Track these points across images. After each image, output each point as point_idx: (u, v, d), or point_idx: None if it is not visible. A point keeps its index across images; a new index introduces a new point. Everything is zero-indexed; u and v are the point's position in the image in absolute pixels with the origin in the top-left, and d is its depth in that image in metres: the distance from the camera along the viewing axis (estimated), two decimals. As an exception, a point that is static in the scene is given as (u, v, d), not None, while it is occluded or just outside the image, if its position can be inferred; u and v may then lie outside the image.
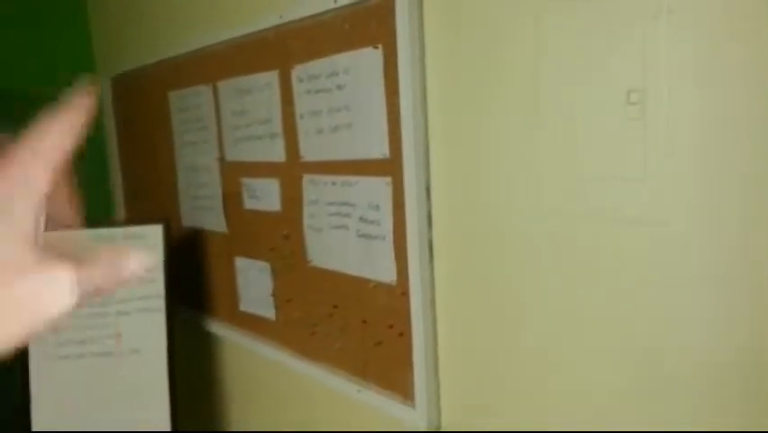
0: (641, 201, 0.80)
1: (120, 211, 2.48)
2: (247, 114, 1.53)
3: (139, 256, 0.33)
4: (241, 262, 1.67)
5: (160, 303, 1.73)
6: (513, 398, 1.00)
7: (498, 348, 1.01)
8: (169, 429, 1.69)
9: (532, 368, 0.96)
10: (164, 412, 1.69)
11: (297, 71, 1.33)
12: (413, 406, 1.15)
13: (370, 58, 1.13)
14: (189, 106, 1.81)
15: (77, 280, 0.29)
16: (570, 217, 0.87)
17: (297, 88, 1.34)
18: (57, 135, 0.29)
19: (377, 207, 1.18)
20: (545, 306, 0.93)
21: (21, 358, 1.71)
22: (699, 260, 0.75)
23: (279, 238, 1.50)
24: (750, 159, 0.70)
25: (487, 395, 1.04)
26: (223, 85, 1.62)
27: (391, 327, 1.19)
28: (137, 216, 2.33)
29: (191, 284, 1.97)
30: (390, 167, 1.13)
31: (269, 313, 1.57)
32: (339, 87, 1.22)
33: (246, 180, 1.60)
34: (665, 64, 0.75)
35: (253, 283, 1.63)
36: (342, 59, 1.20)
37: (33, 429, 1.68)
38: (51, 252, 0.29)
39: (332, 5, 1.19)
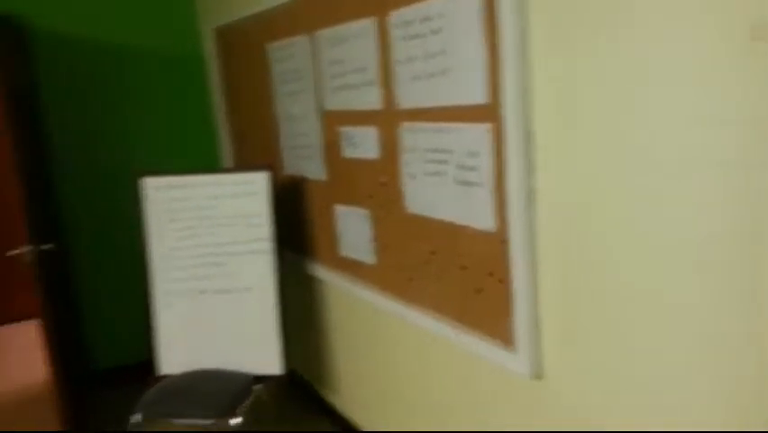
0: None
1: (226, 158, 2.61)
2: (344, 62, 1.54)
3: None
4: (340, 209, 1.72)
5: (268, 246, 1.86)
6: (617, 349, 0.98)
7: (603, 298, 0.99)
8: (278, 360, 1.83)
9: (639, 317, 0.94)
10: (274, 344, 1.85)
11: (393, 18, 1.31)
12: (514, 351, 1.16)
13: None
14: (287, 57, 1.84)
15: None
16: (685, 165, 0.82)
17: (393, 35, 1.32)
18: None
19: (475, 154, 1.16)
20: (654, 256, 0.89)
21: (145, 295, 1.90)
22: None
23: (377, 186, 1.52)
24: None
25: (590, 346, 1.03)
26: (320, 34, 1.63)
27: (491, 274, 1.19)
28: (242, 164, 2.45)
29: (294, 229, 2.06)
30: (489, 112, 1.11)
31: (369, 258, 1.62)
32: (434, 32, 1.20)
33: (344, 129, 1.62)
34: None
35: (353, 229, 1.68)
36: (436, 3, 1.16)
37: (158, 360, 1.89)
38: None
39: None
